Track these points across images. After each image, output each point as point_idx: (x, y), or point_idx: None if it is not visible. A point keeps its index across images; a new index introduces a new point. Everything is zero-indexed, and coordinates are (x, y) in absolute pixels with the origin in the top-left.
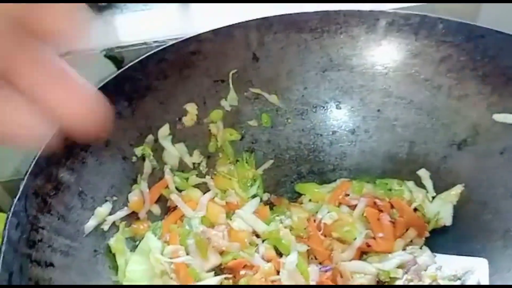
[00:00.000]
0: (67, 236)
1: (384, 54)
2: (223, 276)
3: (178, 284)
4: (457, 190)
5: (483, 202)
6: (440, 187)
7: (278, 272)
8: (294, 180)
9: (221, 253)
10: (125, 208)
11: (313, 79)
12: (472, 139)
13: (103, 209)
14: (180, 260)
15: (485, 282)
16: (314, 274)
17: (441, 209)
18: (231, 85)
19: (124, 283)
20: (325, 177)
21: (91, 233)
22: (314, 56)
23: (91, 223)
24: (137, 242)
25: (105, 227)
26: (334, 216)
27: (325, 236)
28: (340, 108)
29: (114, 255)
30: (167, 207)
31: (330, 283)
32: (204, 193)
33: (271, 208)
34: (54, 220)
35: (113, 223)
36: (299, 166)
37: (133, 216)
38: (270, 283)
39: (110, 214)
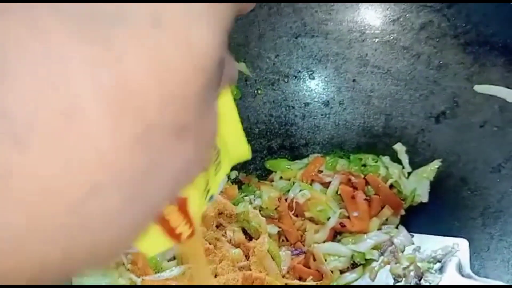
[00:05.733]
0: None
1: (362, 18)
2: (187, 266)
3: (136, 276)
4: (434, 165)
5: (462, 178)
6: (416, 162)
7: (247, 257)
8: (264, 156)
9: None
10: None
11: (285, 45)
12: (452, 111)
13: None
14: (137, 250)
15: (466, 263)
16: (286, 259)
17: (418, 185)
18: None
19: (73, 278)
20: (297, 152)
21: None
22: (287, 20)
23: None
24: None
25: None
26: (306, 195)
27: (297, 216)
28: (314, 78)
29: None
30: None
31: (302, 268)
32: None
33: (239, 187)
34: None
35: None
36: (270, 141)
37: None
38: (238, 270)
39: None
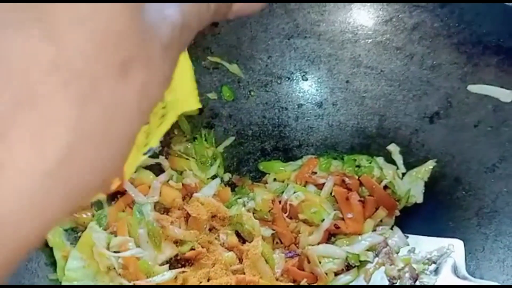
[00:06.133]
0: None
1: (354, 19)
2: (180, 270)
3: (127, 281)
4: (429, 166)
5: (456, 178)
6: (410, 163)
7: (240, 260)
8: (257, 158)
9: (177, 242)
10: None
11: (278, 47)
12: (445, 111)
13: None
14: (129, 254)
15: (462, 264)
16: (279, 261)
17: (412, 186)
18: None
19: (63, 283)
20: (291, 154)
21: None
22: (279, 21)
23: None
24: (79, 234)
25: None
26: (300, 197)
27: (291, 218)
28: (307, 79)
29: (51, 249)
30: (113, 192)
31: (296, 270)
32: (157, 175)
33: (232, 190)
34: None
35: None
36: (263, 142)
37: None
38: (231, 273)
39: None
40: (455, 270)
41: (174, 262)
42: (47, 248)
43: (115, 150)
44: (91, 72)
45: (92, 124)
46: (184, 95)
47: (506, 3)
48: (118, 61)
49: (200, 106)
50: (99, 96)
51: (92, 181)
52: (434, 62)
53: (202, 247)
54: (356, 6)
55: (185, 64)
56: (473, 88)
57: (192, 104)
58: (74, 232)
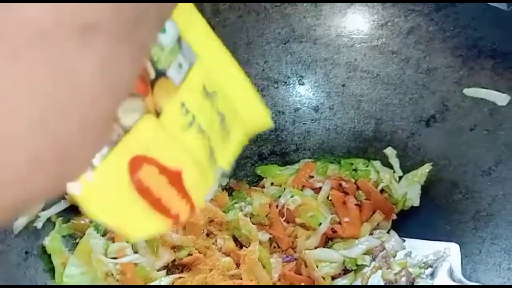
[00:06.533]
0: None
1: (350, 24)
2: (177, 275)
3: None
4: (425, 169)
5: (453, 181)
6: (407, 166)
7: (238, 265)
8: (254, 162)
9: (174, 248)
10: (62, 201)
11: (274, 51)
12: (441, 115)
13: None
14: (126, 260)
15: (458, 267)
16: (277, 266)
17: (409, 189)
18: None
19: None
20: (288, 158)
21: (21, 233)
22: (275, 26)
23: (20, 221)
24: (77, 240)
25: (39, 224)
26: (297, 201)
27: (288, 222)
28: (303, 84)
29: (49, 256)
30: None
31: (294, 274)
32: None
33: (230, 194)
34: None
35: (48, 219)
36: (260, 146)
37: (72, 210)
38: (229, 278)
39: (44, 209)
40: (451, 274)
41: (171, 268)
42: (45, 255)
43: (82, 125)
44: (53, 33)
45: (41, 83)
46: (245, 106)
47: (500, 7)
48: (80, 24)
49: (272, 125)
50: (58, 60)
51: (68, 140)
52: (430, 66)
53: (200, 252)
54: (351, 10)
55: (239, 77)
56: (469, 91)
57: (261, 119)
58: (72, 239)
